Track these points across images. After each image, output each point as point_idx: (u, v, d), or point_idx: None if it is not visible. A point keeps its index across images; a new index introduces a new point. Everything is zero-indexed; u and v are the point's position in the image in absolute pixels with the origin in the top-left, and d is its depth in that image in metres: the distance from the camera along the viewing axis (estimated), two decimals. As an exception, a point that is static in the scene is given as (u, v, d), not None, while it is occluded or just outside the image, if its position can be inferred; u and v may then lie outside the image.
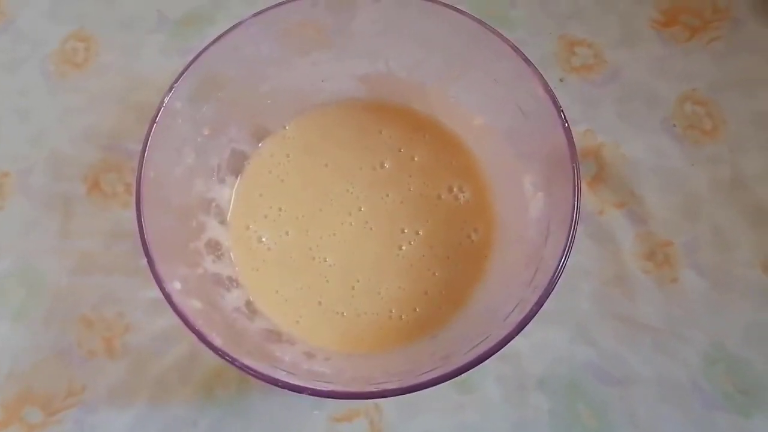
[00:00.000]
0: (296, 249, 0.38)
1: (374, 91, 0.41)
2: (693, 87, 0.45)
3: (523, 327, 0.29)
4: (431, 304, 0.37)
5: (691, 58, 0.46)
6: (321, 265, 0.38)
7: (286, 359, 0.33)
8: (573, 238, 0.30)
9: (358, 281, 0.37)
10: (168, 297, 0.29)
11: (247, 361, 0.28)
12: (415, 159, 0.40)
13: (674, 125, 0.44)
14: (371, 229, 0.38)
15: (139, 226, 0.30)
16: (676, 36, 0.46)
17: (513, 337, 0.29)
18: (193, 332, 0.28)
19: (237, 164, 0.40)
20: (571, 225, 0.30)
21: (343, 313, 0.37)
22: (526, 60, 0.33)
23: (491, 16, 0.46)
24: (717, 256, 0.41)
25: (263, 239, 0.38)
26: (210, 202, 0.38)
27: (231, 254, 0.38)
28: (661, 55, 0.46)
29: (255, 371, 0.28)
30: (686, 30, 0.46)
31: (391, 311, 0.37)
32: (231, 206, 0.39)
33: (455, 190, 0.39)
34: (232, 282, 0.37)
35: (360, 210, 0.39)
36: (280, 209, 0.39)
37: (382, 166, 0.40)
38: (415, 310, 0.37)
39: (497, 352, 0.29)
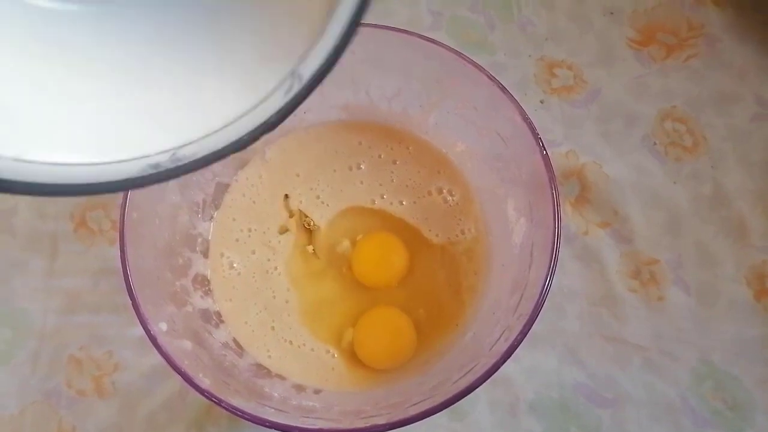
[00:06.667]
0: (258, 266, 0.38)
1: (356, 117, 0.41)
2: (672, 104, 0.45)
3: (509, 355, 0.29)
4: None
5: (668, 76, 0.46)
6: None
7: (275, 395, 0.33)
8: (554, 266, 0.30)
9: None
10: (153, 339, 0.29)
11: (235, 402, 0.28)
12: (395, 178, 0.40)
13: (655, 143, 0.44)
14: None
15: (123, 270, 0.30)
16: (653, 54, 0.47)
17: (500, 366, 0.29)
18: (179, 374, 0.28)
19: (220, 198, 0.40)
20: (552, 252, 0.30)
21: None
22: (502, 88, 0.33)
23: (470, 41, 0.47)
24: (702, 273, 0.41)
25: (234, 265, 0.38)
26: (196, 238, 0.38)
27: (212, 287, 0.38)
28: (639, 74, 0.46)
29: (242, 412, 0.28)
30: (663, 48, 0.47)
31: (379, 340, 0.37)
32: (210, 237, 0.39)
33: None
34: (219, 317, 0.37)
35: None
36: (249, 230, 0.39)
37: (358, 167, 0.40)
38: (403, 338, 0.37)
39: (485, 381, 0.29)
